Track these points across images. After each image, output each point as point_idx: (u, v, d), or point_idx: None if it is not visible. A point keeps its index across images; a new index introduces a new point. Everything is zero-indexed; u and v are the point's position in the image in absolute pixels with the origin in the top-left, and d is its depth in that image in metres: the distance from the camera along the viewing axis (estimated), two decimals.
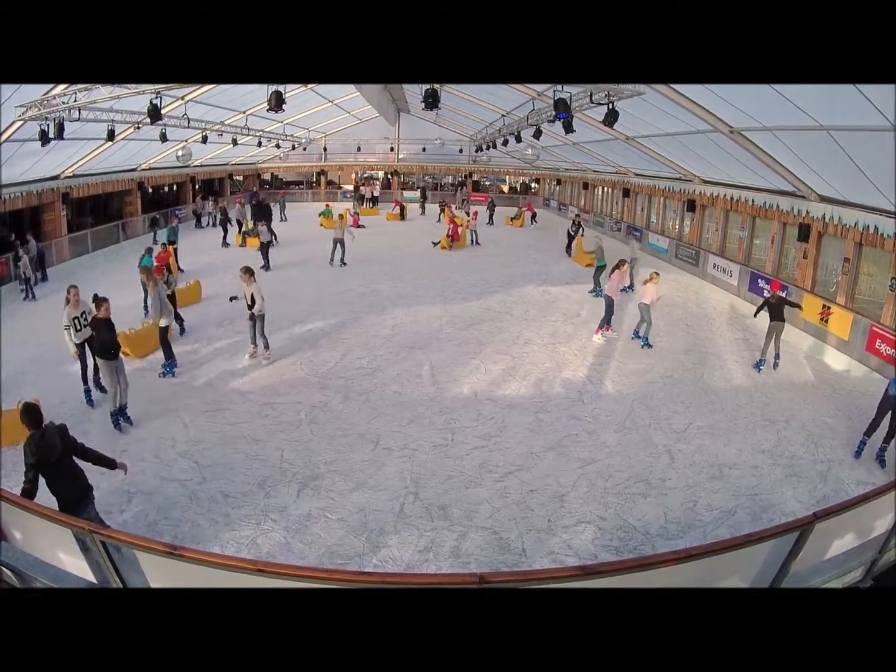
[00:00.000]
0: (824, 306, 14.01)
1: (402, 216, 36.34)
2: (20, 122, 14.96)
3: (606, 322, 14.36)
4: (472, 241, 27.63)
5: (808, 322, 14.45)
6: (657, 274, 14.00)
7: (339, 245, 22.80)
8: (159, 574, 4.09)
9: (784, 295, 13.92)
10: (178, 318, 13.99)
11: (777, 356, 12.71)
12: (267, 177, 45.41)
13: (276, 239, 26.68)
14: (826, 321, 13.88)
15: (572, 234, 25.34)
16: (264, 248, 21.82)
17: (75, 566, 4.44)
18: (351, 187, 44.04)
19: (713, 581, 4.13)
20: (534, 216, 35.35)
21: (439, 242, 26.84)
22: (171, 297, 13.52)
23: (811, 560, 4.42)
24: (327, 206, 35.00)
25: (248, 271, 12.41)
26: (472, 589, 3.40)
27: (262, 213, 27.18)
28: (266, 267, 21.35)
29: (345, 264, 22.64)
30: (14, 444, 8.47)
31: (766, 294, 15.03)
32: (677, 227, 24.27)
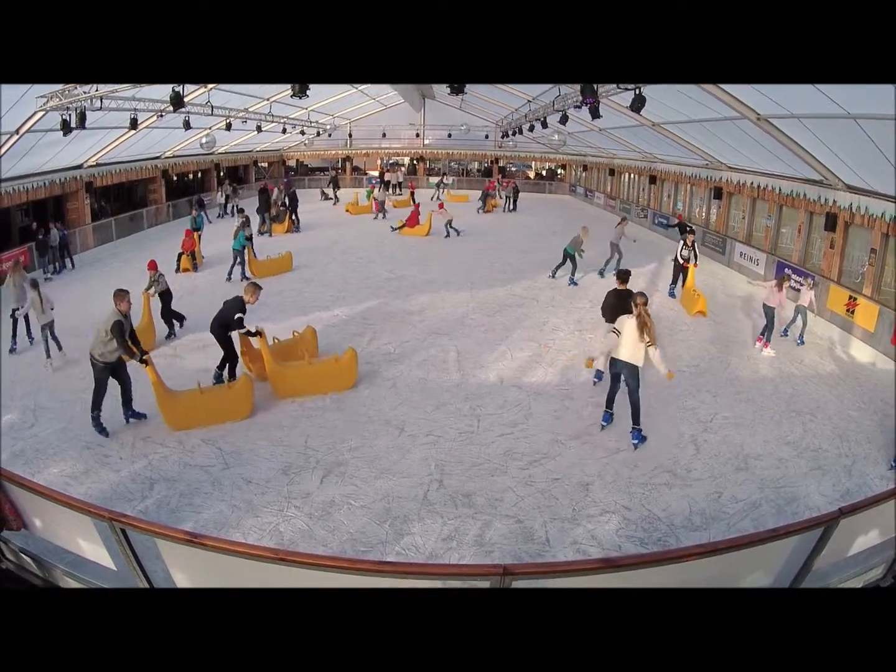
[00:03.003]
0: (850, 297, 13.69)
1: (413, 202, 35.16)
2: (42, 113, 15.01)
3: (769, 333, 13.18)
4: (447, 233, 26.00)
5: (834, 313, 14.18)
6: (811, 279, 13.73)
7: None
8: (179, 561, 4.06)
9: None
10: (179, 317, 13.60)
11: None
12: (292, 163, 45.52)
13: (298, 226, 26.98)
14: (852, 312, 13.54)
15: (683, 261, 16.58)
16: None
17: (94, 553, 4.43)
18: (377, 173, 43.90)
19: (736, 575, 4.07)
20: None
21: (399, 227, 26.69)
22: (166, 294, 13.36)
23: (833, 557, 4.29)
24: (372, 186, 35.94)
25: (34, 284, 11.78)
26: (495, 588, 3.33)
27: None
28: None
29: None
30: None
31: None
32: (704, 214, 24.00)
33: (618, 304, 9.93)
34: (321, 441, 8.93)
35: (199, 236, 21.04)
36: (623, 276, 10.49)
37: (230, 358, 10.67)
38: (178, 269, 19.17)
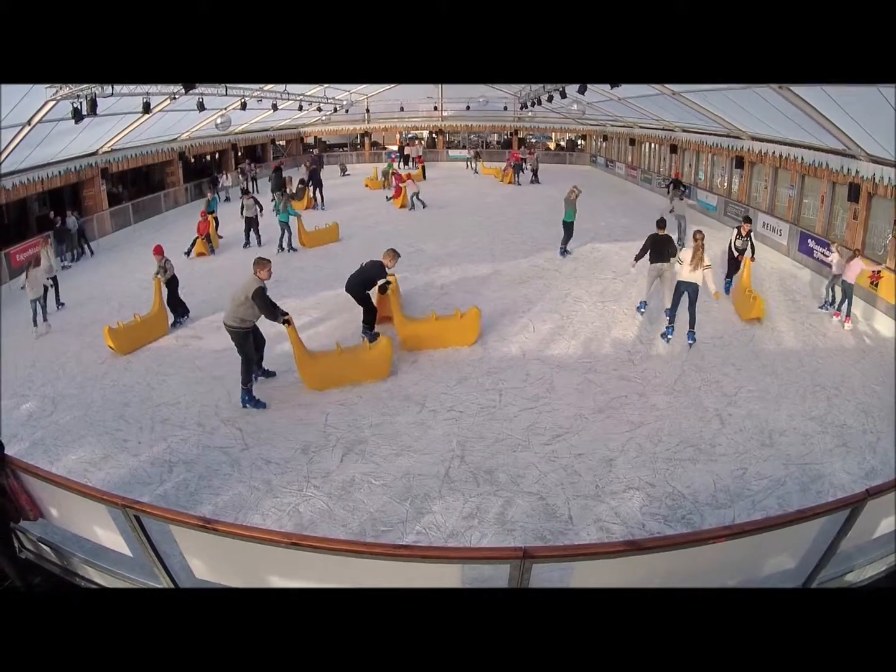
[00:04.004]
0: (874, 269, 13.26)
1: (423, 176, 34.23)
2: (52, 103, 14.90)
3: (848, 308, 12.73)
4: (412, 205, 26.18)
5: (858, 285, 13.51)
6: (859, 251, 13.11)
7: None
8: (193, 546, 4.08)
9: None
10: (182, 306, 13.23)
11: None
12: (311, 140, 45.29)
13: (323, 204, 26.78)
14: (876, 285, 13.13)
15: (738, 252, 14.21)
16: (249, 224, 20.17)
17: (111, 540, 4.47)
18: (396, 147, 43.65)
19: (761, 556, 4.05)
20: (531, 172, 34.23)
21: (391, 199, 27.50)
22: (172, 281, 13.07)
23: (858, 539, 4.19)
24: (393, 160, 36.24)
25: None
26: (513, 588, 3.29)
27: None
28: (247, 244, 20.16)
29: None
30: None
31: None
32: (726, 184, 23.54)
33: (655, 245, 12.17)
34: (341, 419, 8.86)
35: (216, 218, 20.95)
36: (661, 223, 12.60)
37: (372, 312, 11.53)
38: (188, 253, 19.04)
